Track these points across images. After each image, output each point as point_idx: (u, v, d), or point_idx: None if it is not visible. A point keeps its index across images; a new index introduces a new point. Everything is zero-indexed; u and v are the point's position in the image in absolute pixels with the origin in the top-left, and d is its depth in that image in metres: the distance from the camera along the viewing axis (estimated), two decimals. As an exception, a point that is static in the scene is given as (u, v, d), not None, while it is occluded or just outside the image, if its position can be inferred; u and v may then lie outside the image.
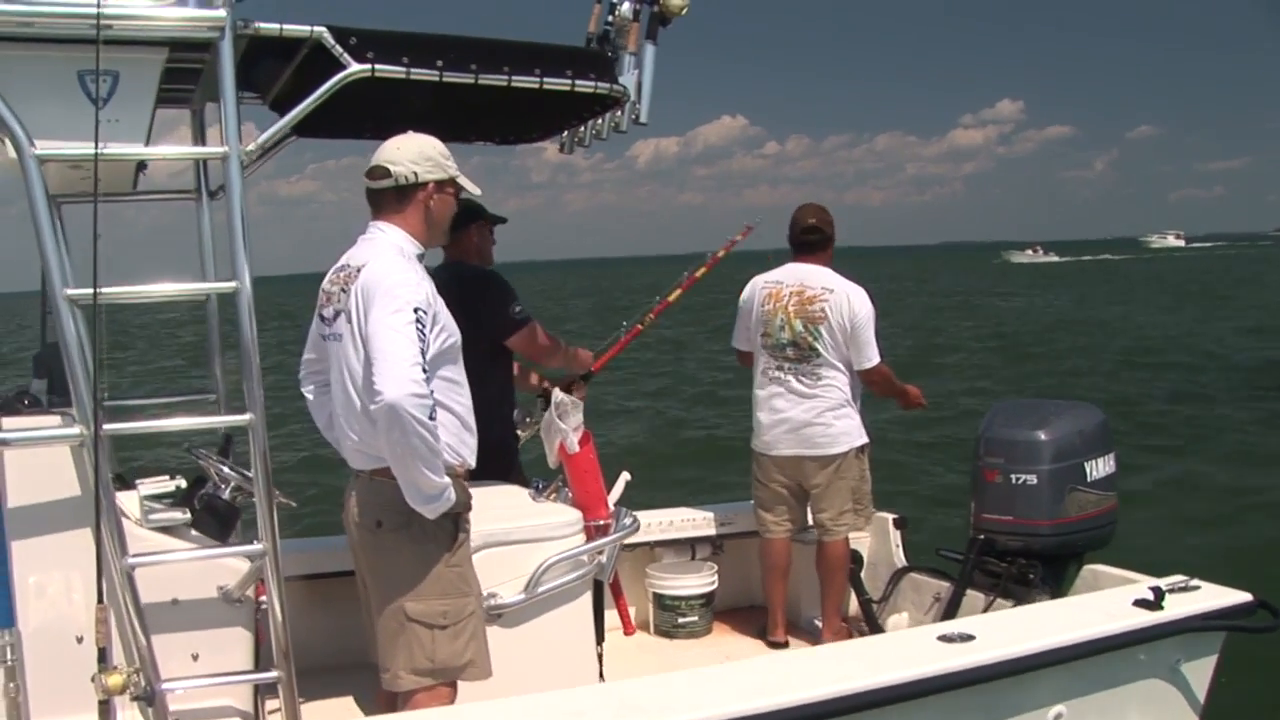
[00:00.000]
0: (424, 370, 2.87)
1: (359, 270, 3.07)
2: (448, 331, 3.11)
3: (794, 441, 4.81)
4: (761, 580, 5.09)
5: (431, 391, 2.90)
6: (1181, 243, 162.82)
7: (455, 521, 3.16)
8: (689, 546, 5.23)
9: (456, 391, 3.19)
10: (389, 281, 2.98)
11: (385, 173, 3.16)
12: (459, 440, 3.19)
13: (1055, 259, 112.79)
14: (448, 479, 3.01)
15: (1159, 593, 3.58)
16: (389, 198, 3.19)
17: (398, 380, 2.82)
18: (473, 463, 3.27)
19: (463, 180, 3.27)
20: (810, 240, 4.89)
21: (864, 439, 4.86)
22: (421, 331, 2.92)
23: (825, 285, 4.78)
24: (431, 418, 2.87)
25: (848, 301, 4.72)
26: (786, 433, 4.82)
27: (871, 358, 4.75)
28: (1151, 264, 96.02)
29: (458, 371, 3.22)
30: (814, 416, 4.76)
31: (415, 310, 2.93)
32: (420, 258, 3.22)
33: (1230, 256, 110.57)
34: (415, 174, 3.16)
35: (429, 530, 3.08)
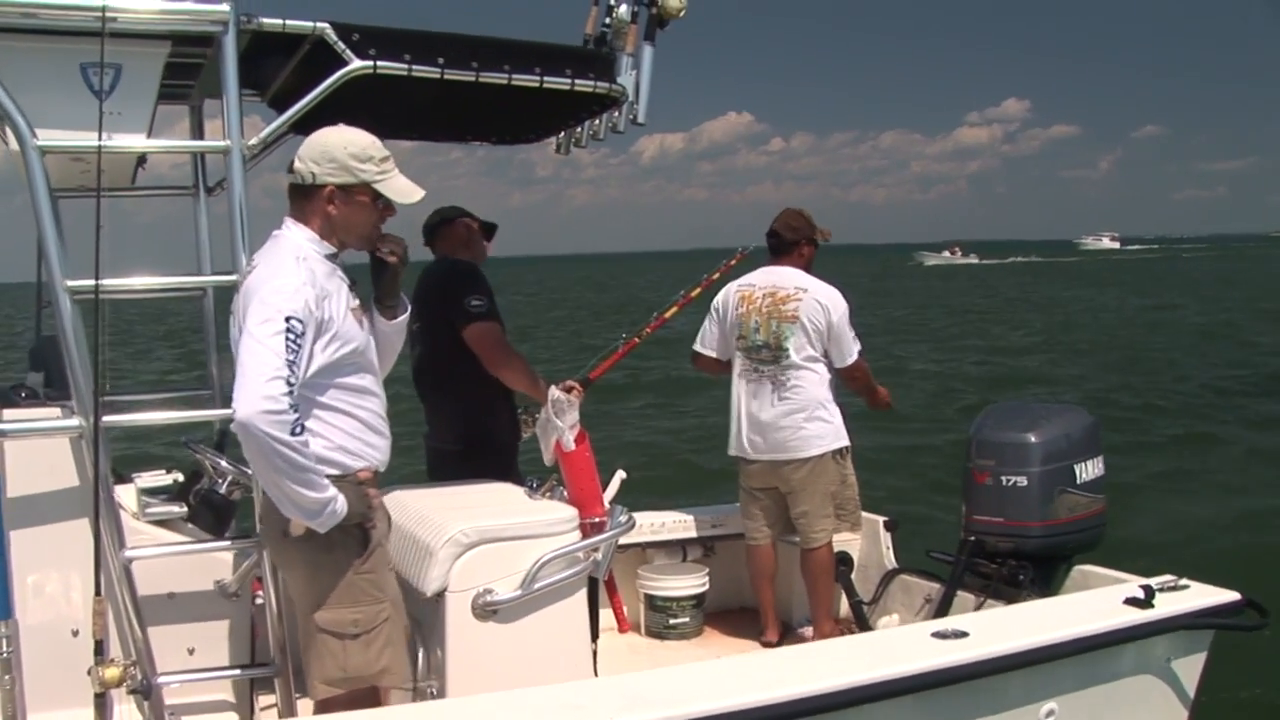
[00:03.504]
0: (288, 384, 2.64)
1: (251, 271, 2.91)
2: (341, 340, 2.87)
3: (767, 445, 4.85)
4: (749, 584, 5.11)
5: (295, 406, 2.66)
6: (1116, 245, 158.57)
7: (363, 528, 2.96)
8: (680, 548, 5.25)
9: (359, 398, 2.98)
10: (265, 289, 2.75)
11: (290, 167, 2.92)
12: (361, 443, 2.98)
13: (975, 261, 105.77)
14: (329, 492, 2.79)
15: (1149, 591, 3.61)
16: (293, 194, 2.94)
17: (249, 398, 2.61)
18: (381, 465, 3.06)
19: (385, 188, 2.93)
20: (772, 245, 5.02)
21: (841, 442, 4.86)
22: (292, 342, 2.68)
23: (799, 285, 4.85)
24: (295, 433, 2.65)
25: (819, 302, 4.78)
26: (759, 437, 4.86)
27: (851, 353, 4.84)
28: (1072, 267, 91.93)
29: (364, 378, 3.00)
30: (784, 420, 4.79)
31: (287, 320, 2.69)
32: (332, 257, 2.96)
33: (1164, 259, 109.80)
34: (313, 174, 2.88)
35: (334, 538, 2.88)
